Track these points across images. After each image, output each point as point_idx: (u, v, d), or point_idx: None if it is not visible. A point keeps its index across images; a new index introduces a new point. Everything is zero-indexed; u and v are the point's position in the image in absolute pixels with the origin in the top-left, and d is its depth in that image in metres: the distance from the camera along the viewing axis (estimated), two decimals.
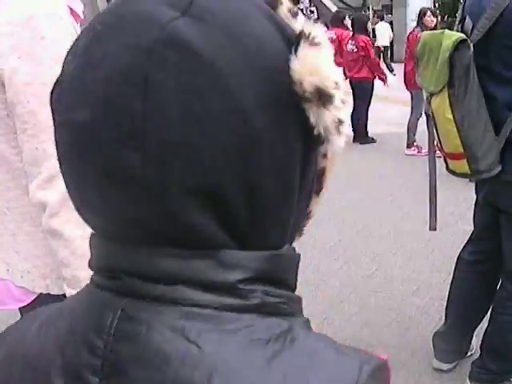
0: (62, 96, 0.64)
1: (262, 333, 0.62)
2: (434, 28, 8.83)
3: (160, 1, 0.61)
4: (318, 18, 17.16)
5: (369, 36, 10.54)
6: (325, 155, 0.71)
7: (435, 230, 3.39)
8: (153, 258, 0.63)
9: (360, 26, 10.26)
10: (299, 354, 0.61)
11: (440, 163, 3.22)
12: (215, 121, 0.58)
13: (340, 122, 0.62)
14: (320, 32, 0.63)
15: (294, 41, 0.62)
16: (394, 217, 6.60)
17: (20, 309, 2.07)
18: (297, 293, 0.71)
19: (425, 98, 3.15)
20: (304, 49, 0.62)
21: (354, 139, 9.90)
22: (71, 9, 2.00)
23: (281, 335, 0.62)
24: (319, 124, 0.62)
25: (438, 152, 3.25)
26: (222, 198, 0.60)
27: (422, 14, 9.35)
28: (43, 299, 1.94)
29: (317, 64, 0.61)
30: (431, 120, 3.12)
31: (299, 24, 0.65)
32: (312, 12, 18.18)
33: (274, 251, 0.67)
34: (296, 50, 0.62)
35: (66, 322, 0.69)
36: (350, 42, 10.16)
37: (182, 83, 0.58)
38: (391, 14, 27.21)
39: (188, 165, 0.58)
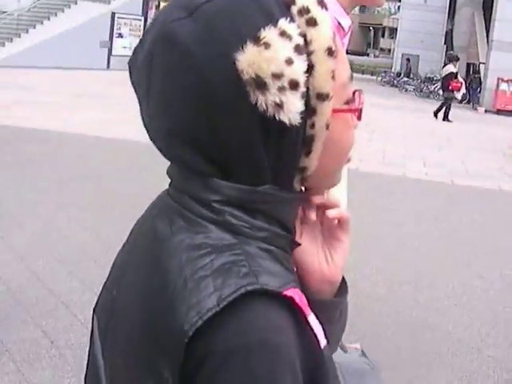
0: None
1: (211, 238, 0.88)
2: None
3: (179, 4, 0.91)
4: None
5: None
6: (313, 126, 0.90)
7: None
8: (178, 174, 0.96)
9: None
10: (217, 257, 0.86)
11: None
12: (183, 86, 0.87)
13: (277, 104, 0.84)
14: (274, 36, 0.84)
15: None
16: None
17: None
18: None
19: None
20: (250, 47, 0.83)
21: None
22: (338, 22, 2.06)
23: (225, 246, 0.87)
24: (260, 103, 0.85)
25: None
26: (198, 141, 0.89)
27: None
28: None
29: (256, 59, 0.83)
30: None
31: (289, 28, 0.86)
32: None
33: (249, 187, 0.90)
34: (243, 47, 0.84)
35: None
36: None
37: (164, 63, 0.89)
38: None
39: (168, 115, 0.90)
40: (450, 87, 22.50)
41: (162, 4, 32.91)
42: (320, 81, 0.88)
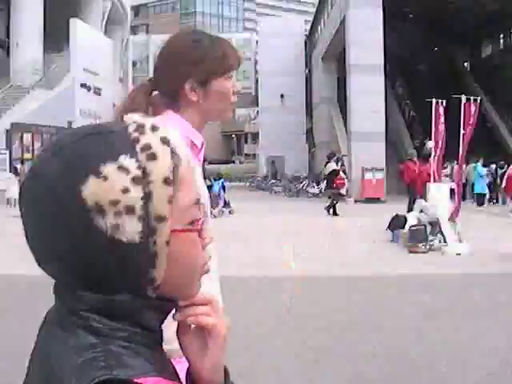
0: None
1: (79, 341, 1.01)
2: None
3: (49, 147, 1.05)
4: None
5: None
6: (155, 243, 1.02)
7: None
8: (57, 290, 1.09)
9: None
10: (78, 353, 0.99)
11: None
12: (45, 212, 1.01)
13: (115, 226, 0.98)
14: (112, 170, 0.98)
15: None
16: None
17: None
18: None
19: None
20: (92, 179, 0.98)
21: None
22: (191, 141, 2.32)
23: (89, 346, 1.00)
24: (101, 225, 0.99)
25: None
26: (62, 259, 1.02)
27: None
28: None
29: (96, 190, 0.98)
30: None
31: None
32: None
33: (107, 296, 1.03)
34: (88, 180, 0.99)
35: None
36: None
37: (29, 194, 1.04)
38: None
39: (36, 237, 1.05)
40: (335, 184, 23.50)
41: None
42: (157, 205, 1.02)
